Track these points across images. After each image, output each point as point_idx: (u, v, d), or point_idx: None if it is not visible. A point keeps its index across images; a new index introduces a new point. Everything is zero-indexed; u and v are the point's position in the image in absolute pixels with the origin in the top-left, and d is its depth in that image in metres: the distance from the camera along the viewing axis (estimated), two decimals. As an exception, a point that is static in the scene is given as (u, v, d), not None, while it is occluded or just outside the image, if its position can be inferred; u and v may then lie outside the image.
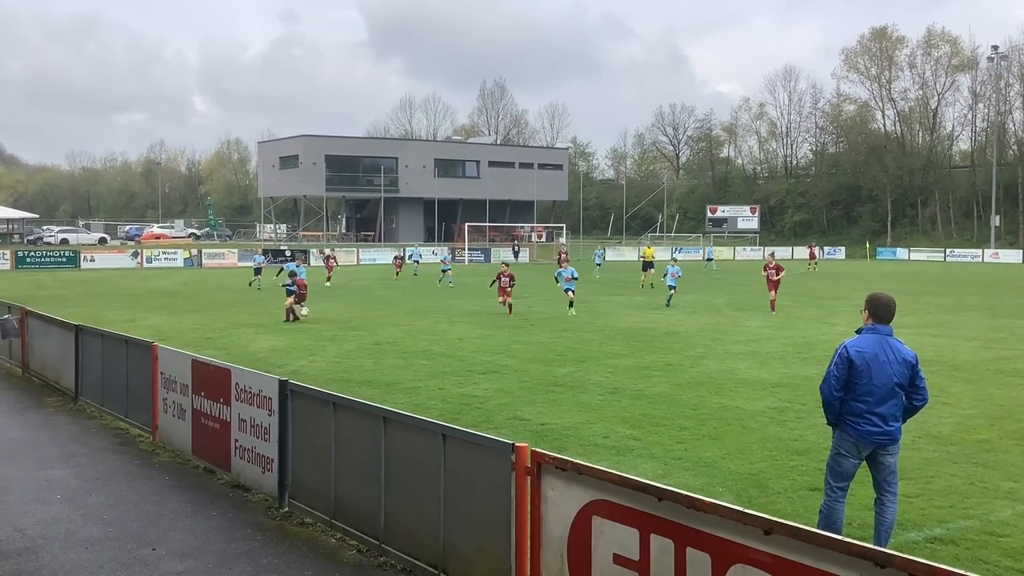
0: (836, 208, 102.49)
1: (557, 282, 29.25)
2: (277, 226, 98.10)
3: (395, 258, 52.84)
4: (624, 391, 14.98)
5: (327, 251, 51.52)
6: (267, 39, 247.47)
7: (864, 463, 7.33)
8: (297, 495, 8.63)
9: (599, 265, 55.07)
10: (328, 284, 41.83)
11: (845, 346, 7.27)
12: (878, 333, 7.20)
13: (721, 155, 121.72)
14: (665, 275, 32.40)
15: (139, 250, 64.69)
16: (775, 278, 29.04)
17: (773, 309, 28.77)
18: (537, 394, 14.61)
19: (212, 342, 20.84)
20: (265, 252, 51.45)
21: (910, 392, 7.20)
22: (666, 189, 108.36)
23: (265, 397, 9.00)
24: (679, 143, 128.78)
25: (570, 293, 27.87)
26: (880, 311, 7.27)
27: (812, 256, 63.24)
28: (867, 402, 7.11)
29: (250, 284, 40.05)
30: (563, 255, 49.44)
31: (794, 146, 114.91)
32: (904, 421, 7.31)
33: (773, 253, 35.05)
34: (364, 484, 7.64)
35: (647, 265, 43.27)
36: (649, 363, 18.13)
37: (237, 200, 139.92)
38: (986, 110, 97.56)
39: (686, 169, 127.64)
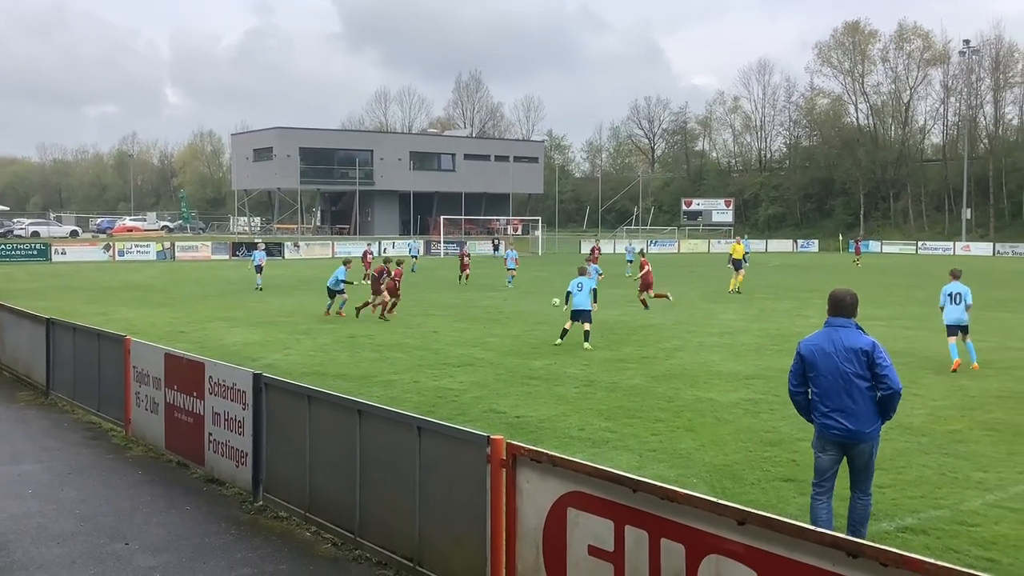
0: (809, 201, 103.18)
1: (567, 302, 20.15)
2: (251, 219, 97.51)
3: (365, 253, 43.59)
4: (599, 383, 15.02)
5: (366, 246, 48.61)
6: (240, 30, 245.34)
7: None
8: (272, 489, 8.59)
9: (631, 263, 47.37)
10: (365, 282, 39.57)
11: (800, 342, 7.49)
12: (829, 326, 7.32)
13: (696, 148, 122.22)
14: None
15: (111, 243, 64.07)
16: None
17: (646, 306, 27.07)
18: (513, 387, 14.62)
19: (185, 335, 20.70)
20: (267, 246, 48.48)
21: (874, 383, 7.05)
22: (641, 182, 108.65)
23: (239, 391, 8.95)
24: (654, 136, 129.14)
25: (586, 325, 19.34)
26: (833, 305, 7.38)
27: (858, 251, 62.37)
28: (818, 396, 7.22)
29: (257, 288, 34.97)
30: (596, 251, 45.21)
31: (768, 140, 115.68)
32: (883, 420, 7.17)
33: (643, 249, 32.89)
34: (339, 477, 7.62)
35: (738, 264, 35.49)
36: (624, 356, 18.18)
37: (210, 193, 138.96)
38: (958, 104, 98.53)
39: (661, 162, 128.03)
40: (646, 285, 27.40)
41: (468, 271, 40.02)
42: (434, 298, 31.89)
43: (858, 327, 7.28)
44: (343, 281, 25.47)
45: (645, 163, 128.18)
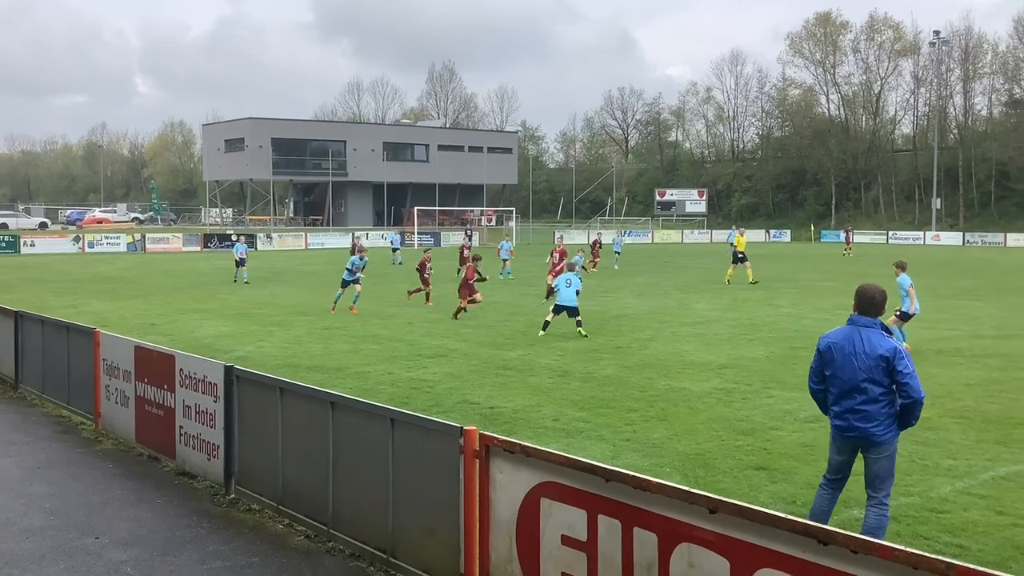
0: (782, 191, 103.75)
1: (554, 292, 21.33)
2: (223, 210, 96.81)
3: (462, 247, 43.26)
4: (573, 374, 15.04)
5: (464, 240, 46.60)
6: (211, 19, 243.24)
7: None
8: (244, 481, 8.54)
9: (619, 254, 46.68)
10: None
11: (820, 337, 7.22)
12: (853, 324, 7.00)
13: (669, 139, 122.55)
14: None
15: (81, 235, 63.39)
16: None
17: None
18: (487, 377, 14.61)
19: (156, 328, 20.52)
20: (247, 239, 46.03)
21: (895, 390, 6.76)
22: (615, 173, 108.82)
23: (210, 383, 8.88)
24: (628, 127, 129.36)
25: (576, 318, 19.65)
26: (860, 302, 7.02)
27: (848, 240, 62.07)
28: (833, 394, 6.98)
29: (244, 281, 34.34)
30: (597, 246, 42.82)
31: (741, 130, 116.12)
32: (901, 427, 6.89)
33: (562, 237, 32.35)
34: (312, 469, 7.59)
35: (740, 256, 34.35)
36: (599, 346, 18.22)
37: (182, 184, 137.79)
38: (928, 95, 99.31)
39: (635, 153, 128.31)
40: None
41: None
42: (407, 289, 31.77)
43: (883, 327, 6.98)
44: (357, 270, 24.38)
45: (619, 154, 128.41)
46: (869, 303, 6.99)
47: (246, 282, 33.77)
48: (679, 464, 9.63)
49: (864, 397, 6.77)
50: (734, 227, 46.83)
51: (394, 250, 45.98)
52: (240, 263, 34.72)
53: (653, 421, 11.69)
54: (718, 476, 9.21)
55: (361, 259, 25.00)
